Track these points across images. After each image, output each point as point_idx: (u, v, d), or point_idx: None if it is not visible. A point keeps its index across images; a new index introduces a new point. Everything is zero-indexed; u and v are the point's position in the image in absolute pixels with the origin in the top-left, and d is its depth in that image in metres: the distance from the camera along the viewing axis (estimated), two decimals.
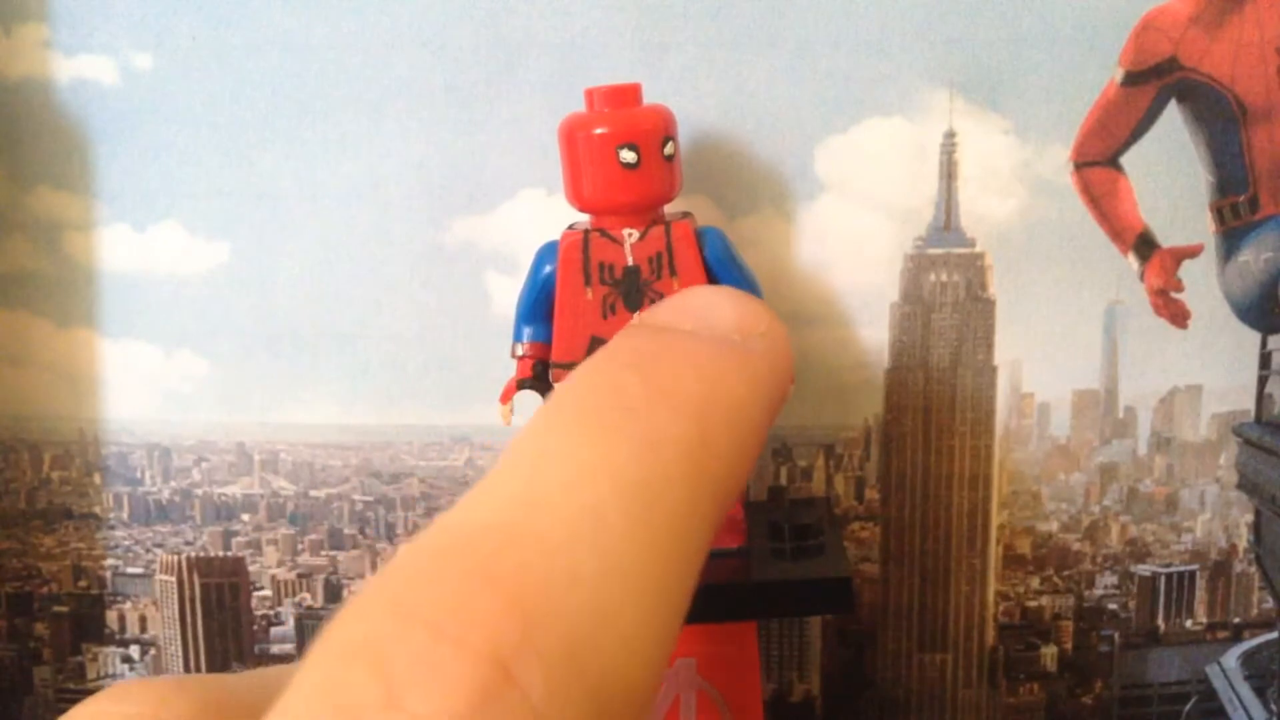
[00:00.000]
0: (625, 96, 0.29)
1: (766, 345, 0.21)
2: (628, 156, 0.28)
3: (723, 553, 0.30)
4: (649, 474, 0.17)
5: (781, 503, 0.35)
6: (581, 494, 0.17)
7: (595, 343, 0.29)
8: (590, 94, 0.29)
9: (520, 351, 0.30)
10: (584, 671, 0.15)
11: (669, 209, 0.30)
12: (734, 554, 0.30)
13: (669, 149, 0.29)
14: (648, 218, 0.29)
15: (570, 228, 0.30)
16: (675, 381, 0.19)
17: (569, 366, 0.29)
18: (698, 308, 0.22)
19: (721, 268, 0.29)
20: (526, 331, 0.30)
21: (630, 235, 0.29)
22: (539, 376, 0.30)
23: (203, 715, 0.19)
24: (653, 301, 0.29)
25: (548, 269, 0.30)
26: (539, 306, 0.30)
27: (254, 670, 0.24)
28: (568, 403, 0.19)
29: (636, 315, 0.28)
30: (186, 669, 0.38)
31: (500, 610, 0.15)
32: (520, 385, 0.30)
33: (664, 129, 0.29)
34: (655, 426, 0.18)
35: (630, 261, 0.29)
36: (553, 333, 0.30)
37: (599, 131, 0.29)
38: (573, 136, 0.29)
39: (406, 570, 0.16)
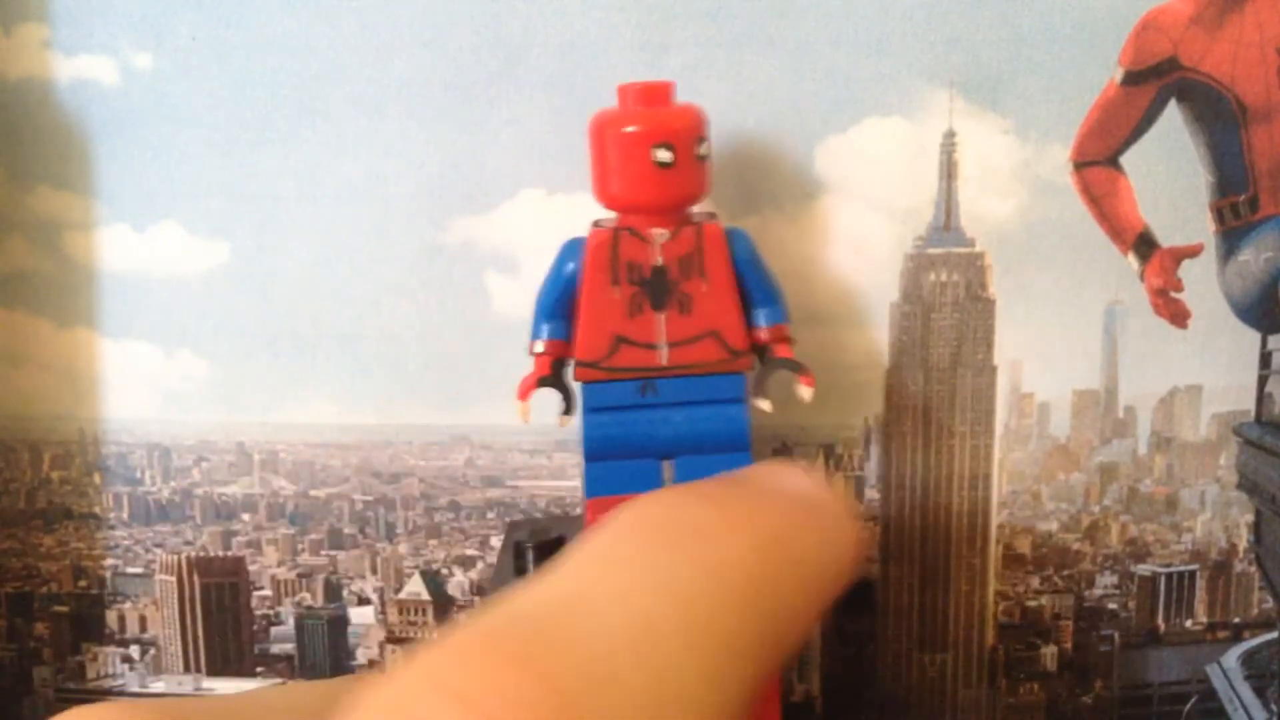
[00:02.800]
0: (658, 94, 0.29)
1: (833, 517, 0.22)
2: (663, 156, 0.28)
3: None
4: (710, 595, 0.18)
5: None
6: (633, 601, 0.17)
7: (619, 342, 0.29)
8: (624, 91, 0.29)
9: (540, 348, 0.30)
10: None
11: None
12: None
13: (703, 149, 0.29)
14: (677, 218, 0.29)
15: (595, 225, 0.30)
16: (748, 516, 0.20)
17: (592, 365, 0.29)
18: (770, 473, 0.23)
19: (749, 269, 0.29)
20: (546, 328, 0.30)
21: (660, 235, 0.29)
22: (556, 374, 0.30)
23: None
24: (680, 302, 0.29)
25: (571, 266, 0.29)
26: (560, 304, 0.30)
27: (213, 696, 0.24)
28: (637, 517, 0.19)
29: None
30: (186, 669, 0.38)
31: (531, 689, 0.15)
32: (540, 383, 0.30)
33: (698, 129, 0.29)
34: (723, 552, 0.18)
35: (659, 261, 0.29)
36: (575, 331, 0.29)
37: (633, 130, 0.28)
38: (604, 133, 0.29)
39: (444, 645, 0.16)
